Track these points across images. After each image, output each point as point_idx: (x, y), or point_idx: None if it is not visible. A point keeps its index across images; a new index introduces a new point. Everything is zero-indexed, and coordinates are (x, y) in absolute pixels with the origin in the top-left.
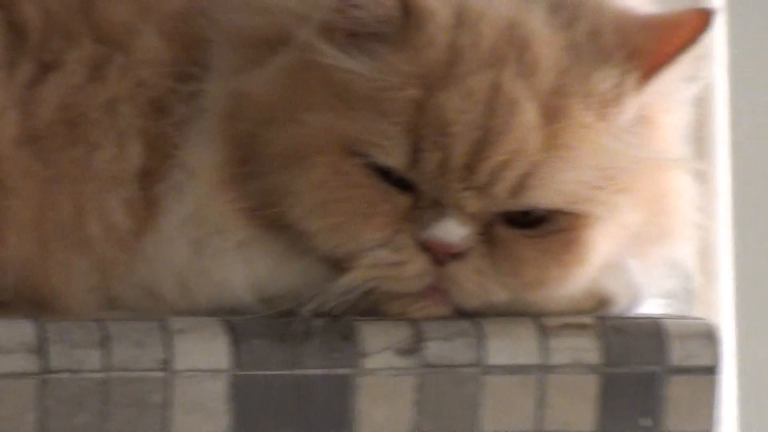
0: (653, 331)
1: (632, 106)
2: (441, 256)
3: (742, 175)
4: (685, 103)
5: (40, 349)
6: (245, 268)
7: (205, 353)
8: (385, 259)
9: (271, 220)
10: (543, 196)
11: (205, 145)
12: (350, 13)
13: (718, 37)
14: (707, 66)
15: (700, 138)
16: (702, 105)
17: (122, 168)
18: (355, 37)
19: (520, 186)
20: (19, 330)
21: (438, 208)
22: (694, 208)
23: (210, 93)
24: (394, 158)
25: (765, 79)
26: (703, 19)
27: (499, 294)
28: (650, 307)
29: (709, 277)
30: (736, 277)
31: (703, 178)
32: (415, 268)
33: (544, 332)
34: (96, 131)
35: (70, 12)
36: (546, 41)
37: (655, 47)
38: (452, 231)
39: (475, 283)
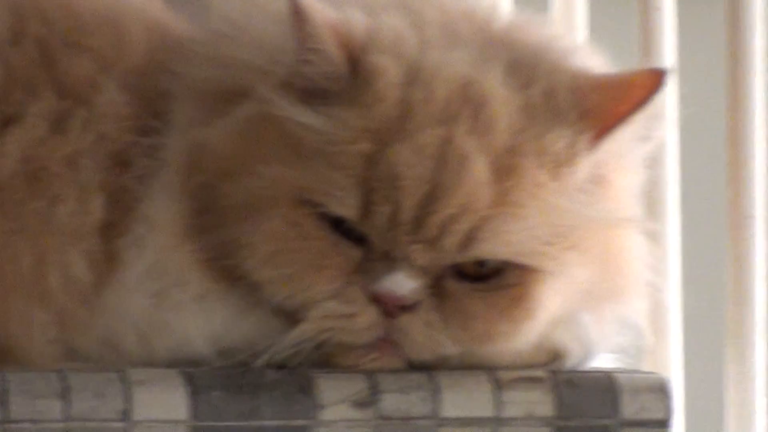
0: (606, 385)
1: (585, 165)
2: (391, 308)
3: (692, 234)
4: (638, 162)
5: (2, 399)
6: (203, 321)
7: (163, 404)
8: (335, 310)
9: (228, 271)
10: (491, 248)
11: (166, 197)
12: (303, 69)
13: (669, 97)
14: (659, 125)
15: (652, 197)
16: (654, 164)
17: (84, 221)
18: (309, 92)
19: (469, 239)
20: None
21: (388, 260)
22: (646, 266)
23: (170, 146)
24: (346, 209)
25: (714, 138)
26: (655, 79)
27: (448, 347)
28: (602, 361)
29: (660, 334)
30: (685, 333)
31: (654, 237)
32: (365, 320)
33: (498, 385)
34: (57, 184)
35: (32, 65)
36: (502, 101)
37: (609, 107)
38: (402, 283)
39: (424, 335)
